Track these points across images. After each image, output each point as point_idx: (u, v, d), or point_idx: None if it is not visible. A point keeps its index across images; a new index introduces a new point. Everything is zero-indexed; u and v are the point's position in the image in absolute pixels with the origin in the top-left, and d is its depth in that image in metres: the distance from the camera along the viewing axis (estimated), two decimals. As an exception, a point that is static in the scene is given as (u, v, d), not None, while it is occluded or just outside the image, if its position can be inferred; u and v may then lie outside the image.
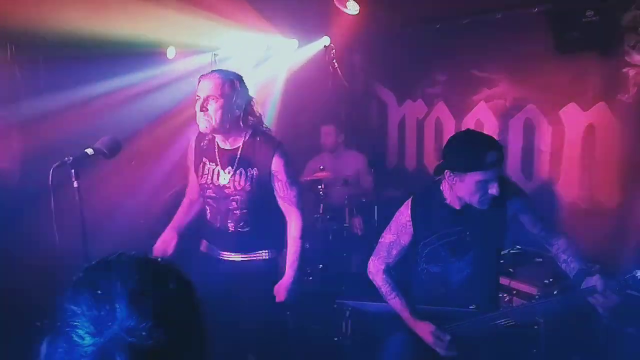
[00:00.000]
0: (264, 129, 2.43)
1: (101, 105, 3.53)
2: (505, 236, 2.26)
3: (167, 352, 0.75)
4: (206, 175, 2.39)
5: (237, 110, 2.28)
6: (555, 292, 3.03)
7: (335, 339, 3.41)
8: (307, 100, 4.77)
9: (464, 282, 2.20)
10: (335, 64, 3.33)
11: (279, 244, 2.50)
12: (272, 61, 4.69)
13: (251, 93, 2.39)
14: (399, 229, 2.27)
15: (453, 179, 2.07)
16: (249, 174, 2.34)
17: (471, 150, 2.02)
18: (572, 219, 3.62)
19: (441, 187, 2.20)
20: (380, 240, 2.36)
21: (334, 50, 3.34)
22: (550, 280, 3.09)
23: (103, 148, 2.01)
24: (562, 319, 2.89)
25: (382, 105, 5.05)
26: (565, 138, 3.64)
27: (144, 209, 2.79)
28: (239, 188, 2.33)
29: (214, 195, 2.38)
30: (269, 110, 4.74)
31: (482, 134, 2.14)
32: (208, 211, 2.45)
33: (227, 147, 2.37)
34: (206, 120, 2.24)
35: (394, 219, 2.32)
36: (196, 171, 2.44)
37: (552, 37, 3.37)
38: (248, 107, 2.33)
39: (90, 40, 3.20)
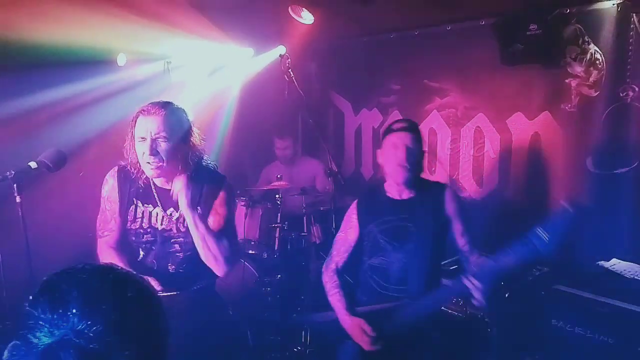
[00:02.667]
0: (208, 163, 2.19)
1: (46, 116, 3.38)
2: (445, 233, 2.34)
3: (113, 356, 0.79)
4: (139, 220, 2.10)
5: (185, 148, 2.03)
6: (507, 295, 3.14)
7: (295, 349, 3.39)
8: (263, 109, 4.75)
9: (403, 274, 2.27)
10: (291, 73, 3.32)
11: (212, 273, 2.25)
12: (227, 70, 4.64)
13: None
14: (346, 225, 2.45)
15: (380, 149, 2.35)
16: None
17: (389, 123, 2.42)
18: (521, 223, 3.75)
19: (384, 185, 2.40)
20: (334, 240, 2.51)
21: (289, 60, 3.34)
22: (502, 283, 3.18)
23: (47, 161, 1.94)
24: (513, 320, 3.00)
25: (339, 114, 5.09)
26: (513, 146, 3.78)
27: (92, 223, 2.67)
28: (183, 230, 2.09)
29: (152, 239, 2.11)
30: (223, 119, 4.69)
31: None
32: (141, 254, 2.15)
33: (169, 187, 2.09)
34: (156, 165, 1.95)
35: (344, 218, 2.50)
36: (122, 215, 2.11)
37: (497, 49, 3.50)
38: (193, 142, 2.08)
39: (35, 47, 3.06)
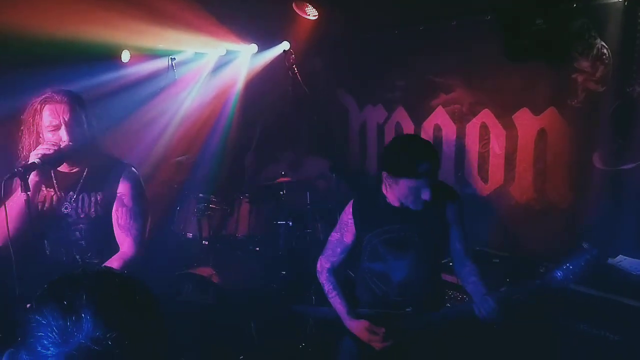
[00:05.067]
0: (110, 154, 2.18)
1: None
2: (447, 237, 2.30)
3: None
4: (41, 204, 2.06)
5: (86, 135, 2.03)
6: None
7: (300, 346, 3.39)
8: (267, 105, 4.74)
9: (405, 281, 2.24)
10: (295, 68, 3.32)
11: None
12: (232, 65, 4.64)
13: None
14: (342, 226, 2.35)
15: (389, 179, 2.16)
16: (92, 198, 2.07)
17: (405, 158, 2.09)
18: (527, 219, 3.74)
19: (382, 188, 2.26)
20: (329, 238, 2.42)
21: (293, 55, 3.33)
22: (507, 280, 3.17)
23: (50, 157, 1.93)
24: (514, 316, 2.98)
25: (343, 110, 5.07)
26: (518, 142, 3.76)
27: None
28: (82, 215, 2.06)
29: (53, 225, 2.07)
30: (228, 115, 4.69)
31: (420, 141, 2.22)
32: (47, 245, 2.10)
33: (68, 170, 2.08)
34: (54, 150, 1.91)
35: (339, 218, 2.40)
36: (33, 203, 2.02)
37: (503, 44, 3.47)
38: (96, 131, 2.09)
39: (38, 44, 3.06)
